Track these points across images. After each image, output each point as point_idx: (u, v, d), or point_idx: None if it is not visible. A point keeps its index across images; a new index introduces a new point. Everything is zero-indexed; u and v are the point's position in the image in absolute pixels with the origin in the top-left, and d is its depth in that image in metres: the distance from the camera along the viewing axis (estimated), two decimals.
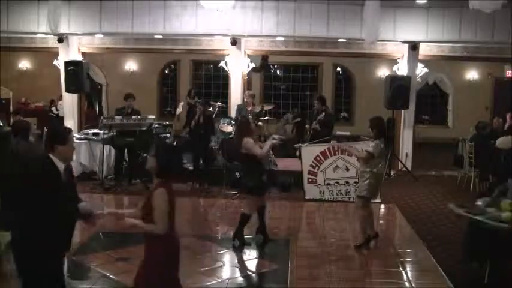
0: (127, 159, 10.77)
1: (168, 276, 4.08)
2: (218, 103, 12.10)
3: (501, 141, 10.23)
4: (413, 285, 6.03)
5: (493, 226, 2.74)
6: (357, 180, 9.30)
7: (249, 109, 10.79)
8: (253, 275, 6.39)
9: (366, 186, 6.99)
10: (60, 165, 4.03)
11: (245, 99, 11.05)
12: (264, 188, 7.28)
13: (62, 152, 4.04)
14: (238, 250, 7.00)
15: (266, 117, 12.10)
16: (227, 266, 6.63)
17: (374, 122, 7.11)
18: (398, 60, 12.70)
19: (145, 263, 4.09)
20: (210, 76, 19.01)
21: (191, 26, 11.55)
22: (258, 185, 7.06)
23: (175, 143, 10.78)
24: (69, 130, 4.35)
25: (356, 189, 9.18)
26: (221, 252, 6.96)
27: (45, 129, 10.59)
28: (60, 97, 14.25)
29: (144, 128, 10.54)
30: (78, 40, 12.68)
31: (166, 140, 10.98)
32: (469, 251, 6.13)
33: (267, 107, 12.24)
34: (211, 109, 11.57)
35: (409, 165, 12.27)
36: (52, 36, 11.95)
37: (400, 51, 12.47)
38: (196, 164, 10.53)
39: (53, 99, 16.89)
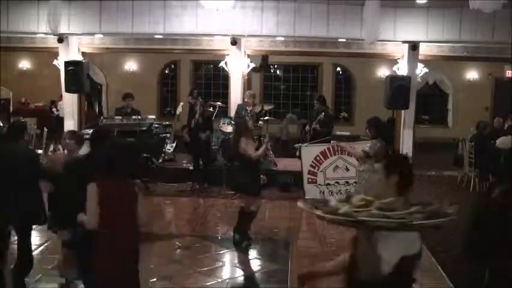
0: None
1: (104, 272, 4.09)
2: (218, 103, 12.10)
3: (501, 141, 10.24)
4: (413, 285, 6.01)
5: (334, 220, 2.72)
6: (357, 180, 9.30)
7: (249, 109, 10.79)
8: (253, 275, 6.39)
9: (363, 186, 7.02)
10: None
11: (245, 100, 11.05)
12: (259, 188, 7.31)
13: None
14: (238, 250, 7.00)
15: (266, 117, 12.10)
16: (227, 266, 6.63)
17: (371, 122, 7.15)
18: (398, 60, 12.68)
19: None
20: (210, 76, 19.02)
21: (191, 26, 11.54)
22: (253, 185, 7.10)
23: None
24: None
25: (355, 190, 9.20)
26: (221, 252, 6.96)
27: (45, 129, 10.64)
28: (60, 97, 14.25)
29: (144, 128, 10.53)
30: (78, 40, 12.67)
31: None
32: (470, 251, 6.13)
33: (267, 107, 12.24)
34: (211, 109, 11.56)
35: None
36: (52, 36, 11.94)
37: (400, 51, 12.46)
38: (196, 164, 10.53)
39: (53, 100, 16.90)
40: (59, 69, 12.73)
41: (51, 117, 16.21)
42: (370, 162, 6.96)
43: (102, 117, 11.28)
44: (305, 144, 10.33)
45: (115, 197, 4.07)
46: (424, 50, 12.38)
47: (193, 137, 10.58)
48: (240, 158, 7.10)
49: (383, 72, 17.32)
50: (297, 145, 10.51)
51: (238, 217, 7.22)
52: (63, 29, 11.55)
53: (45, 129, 11.63)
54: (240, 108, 11.12)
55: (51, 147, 8.24)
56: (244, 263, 6.71)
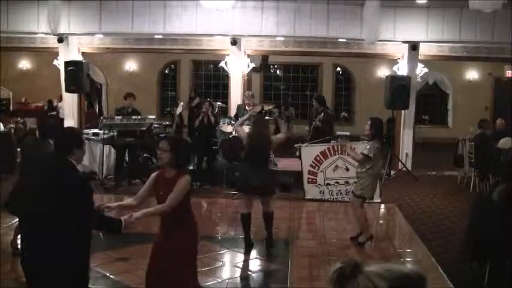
0: (127, 159, 10.76)
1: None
2: (218, 103, 12.10)
3: (503, 142, 10.24)
4: None
5: None
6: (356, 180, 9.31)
7: (248, 109, 10.78)
8: (253, 275, 6.39)
9: (362, 186, 7.03)
10: (80, 168, 3.95)
11: (245, 101, 11.07)
12: None
13: (79, 155, 3.93)
14: (238, 250, 7.01)
15: (266, 117, 12.10)
16: (227, 266, 6.63)
17: (375, 122, 7.14)
18: (398, 60, 12.69)
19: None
20: (210, 76, 19.01)
21: (191, 26, 11.55)
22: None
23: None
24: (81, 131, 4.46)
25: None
26: (221, 252, 6.96)
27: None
28: (60, 97, 14.25)
29: (144, 128, 10.54)
30: (78, 40, 12.68)
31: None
32: (470, 251, 6.14)
33: (267, 107, 12.23)
34: (216, 109, 11.57)
35: (409, 165, 12.27)
36: (52, 36, 11.95)
37: (400, 51, 12.47)
38: (199, 163, 10.53)
39: (50, 99, 16.91)
40: (59, 69, 12.73)
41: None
42: (369, 164, 6.97)
43: (102, 117, 11.27)
44: (305, 144, 10.33)
45: None
46: (424, 50, 12.39)
47: (197, 137, 10.58)
48: (265, 156, 7.13)
49: (383, 72, 17.30)
50: (297, 145, 10.51)
51: (271, 223, 7.10)
52: (63, 29, 11.56)
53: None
54: (240, 108, 11.12)
55: None
56: (244, 263, 6.70)
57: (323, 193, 9.74)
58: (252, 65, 12.91)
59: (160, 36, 12.43)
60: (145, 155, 10.62)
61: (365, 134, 7.20)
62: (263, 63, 16.21)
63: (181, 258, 4.24)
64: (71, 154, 3.82)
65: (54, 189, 3.67)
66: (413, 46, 12.04)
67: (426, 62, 13.01)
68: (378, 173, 7.52)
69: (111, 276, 5.89)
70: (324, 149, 9.83)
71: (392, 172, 11.78)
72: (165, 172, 4.28)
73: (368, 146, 6.96)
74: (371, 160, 6.94)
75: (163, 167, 4.34)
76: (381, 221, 8.82)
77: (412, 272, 1.64)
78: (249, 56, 12.78)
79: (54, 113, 16.29)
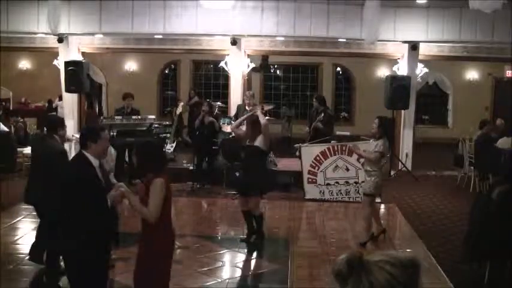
0: (127, 159, 10.76)
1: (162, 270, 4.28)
2: (218, 103, 12.10)
3: (503, 142, 10.24)
4: None
5: None
6: (357, 180, 9.32)
7: (248, 109, 10.77)
8: (253, 275, 6.39)
9: (373, 184, 7.06)
10: (95, 162, 4.28)
11: (245, 101, 11.06)
12: None
13: (94, 148, 4.27)
14: (238, 250, 7.01)
15: (266, 117, 12.07)
16: (227, 266, 6.63)
17: (383, 120, 7.22)
18: (398, 60, 12.69)
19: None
20: (210, 76, 19.00)
21: (191, 26, 11.55)
22: None
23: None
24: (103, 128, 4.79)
25: (357, 189, 9.25)
26: (221, 252, 6.96)
27: (45, 129, 10.54)
28: (60, 97, 14.25)
29: (144, 128, 10.54)
30: (78, 40, 12.68)
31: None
32: (470, 251, 6.14)
33: (267, 107, 12.21)
34: (217, 110, 11.58)
35: (409, 165, 12.27)
36: (52, 36, 11.95)
37: (400, 51, 12.47)
38: (199, 163, 10.53)
39: (50, 99, 16.91)
40: (59, 69, 12.73)
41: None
42: (382, 161, 7.07)
43: (102, 117, 11.27)
44: (305, 144, 10.33)
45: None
46: (424, 50, 12.39)
47: (197, 137, 10.58)
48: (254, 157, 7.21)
49: (383, 72, 17.30)
50: (296, 145, 10.51)
51: (258, 223, 7.21)
52: (63, 29, 11.56)
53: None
54: (240, 108, 11.11)
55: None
56: (245, 263, 6.71)
57: (323, 193, 9.74)
58: (252, 65, 12.91)
59: (160, 36, 12.43)
60: None
61: (371, 133, 7.21)
62: (263, 63, 16.21)
63: (152, 265, 4.30)
64: (86, 148, 4.25)
65: (65, 181, 4.26)
66: (413, 46, 12.04)
67: (426, 62, 13.01)
68: (384, 171, 7.67)
69: (111, 277, 5.88)
70: (324, 149, 9.83)
71: (392, 172, 11.78)
72: (147, 175, 4.40)
73: (379, 144, 6.99)
74: (384, 157, 7.06)
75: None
76: (381, 221, 8.81)
77: (408, 254, 1.66)
78: (249, 56, 12.78)
79: (54, 113, 16.28)
